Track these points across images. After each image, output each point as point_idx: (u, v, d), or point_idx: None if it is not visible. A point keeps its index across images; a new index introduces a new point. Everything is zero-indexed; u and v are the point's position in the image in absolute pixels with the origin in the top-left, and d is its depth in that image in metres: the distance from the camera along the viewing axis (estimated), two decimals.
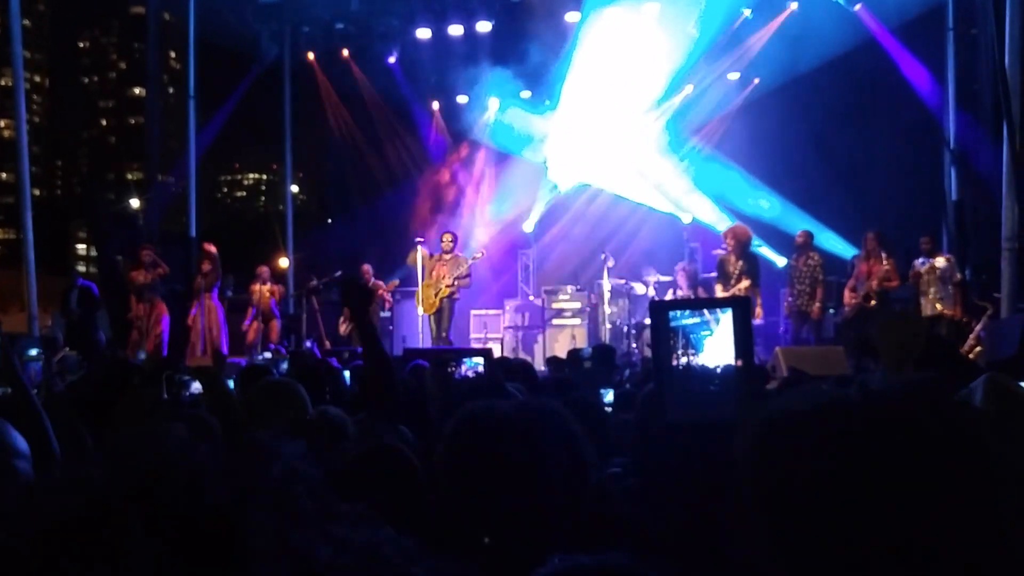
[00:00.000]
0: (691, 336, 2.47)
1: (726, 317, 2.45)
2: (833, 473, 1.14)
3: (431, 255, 14.86)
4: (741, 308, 2.48)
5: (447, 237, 14.82)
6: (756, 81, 17.33)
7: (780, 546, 1.18)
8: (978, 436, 1.16)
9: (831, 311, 13.68)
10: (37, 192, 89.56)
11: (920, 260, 12.77)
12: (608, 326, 15.16)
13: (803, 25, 15.84)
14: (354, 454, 2.86)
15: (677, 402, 2.44)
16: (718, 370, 2.44)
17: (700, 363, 2.46)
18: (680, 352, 2.47)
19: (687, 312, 2.52)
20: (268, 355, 13.19)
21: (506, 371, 6.47)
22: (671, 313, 2.53)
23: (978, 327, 11.40)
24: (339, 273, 16.78)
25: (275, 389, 3.98)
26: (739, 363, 2.43)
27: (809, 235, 13.31)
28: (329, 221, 23.15)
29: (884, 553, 1.11)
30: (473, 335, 16.02)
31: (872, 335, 4.73)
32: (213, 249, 14.77)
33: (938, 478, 1.12)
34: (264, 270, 16.00)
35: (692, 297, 13.21)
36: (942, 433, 1.15)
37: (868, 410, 1.19)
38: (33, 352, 8.53)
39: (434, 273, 14.48)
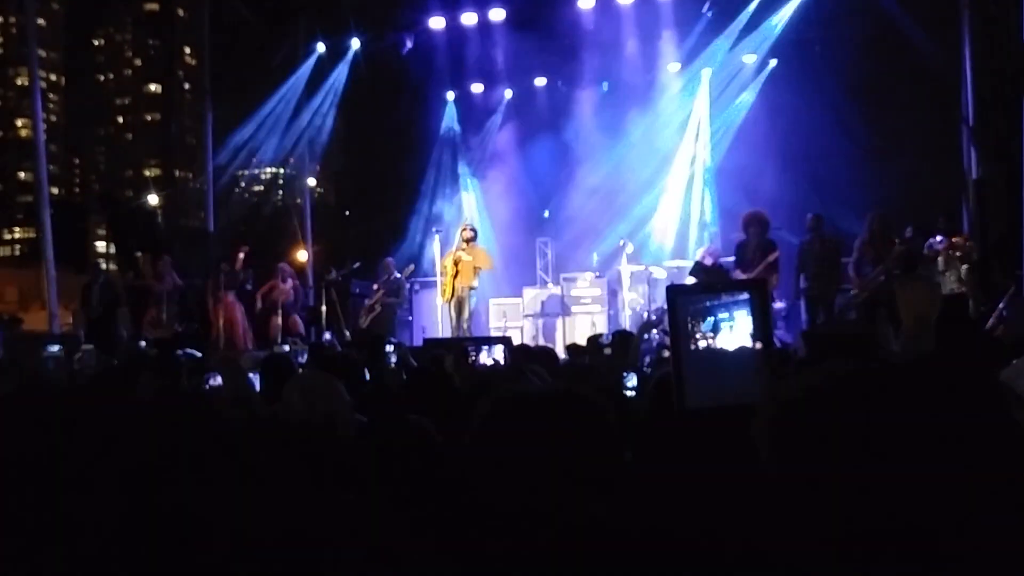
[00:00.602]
0: (709, 320, 2.45)
1: (744, 300, 2.43)
2: (855, 445, 1.14)
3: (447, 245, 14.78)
4: (758, 291, 2.46)
5: (467, 230, 14.58)
6: (773, 63, 17.23)
7: (802, 519, 1.17)
8: (1003, 408, 1.15)
9: (852, 293, 13.60)
10: (55, 191, 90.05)
11: (938, 239, 12.68)
12: (628, 312, 15.13)
13: (819, 5, 15.73)
14: (379, 430, 2.87)
15: (695, 387, 2.42)
16: (737, 353, 2.42)
17: (719, 347, 2.44)
18: (699, 337, 2.45)
19: (704, 296, 2.50)
20: (286, 348, 13.24)
21: (528, 358, 6.48)
22: (688, 297, 2.51)
23: (1001, 305, 11.31)
24: (357, 264, 16.82)
25: (312, 382, 3.94)
26: (758, 346, 2.41)
27: (820, 218, 13.26)
28: (347, 213, 23.19)
29: (907, 525, 1.10)
30: (493, 324, 16.01)
31: (893, 307, 4.71)
32: (241, 255, 14.93)
33: (962, 451, 1.11)
34: (285, 267, 16.10)
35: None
36: (965, 405, 1.14)
37: (890, 382, 1.18)
38: (53, 349, 8.56)
39: (450, 263, 14.37)
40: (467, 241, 14.31)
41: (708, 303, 2.45)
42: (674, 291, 2.54)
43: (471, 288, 14.18)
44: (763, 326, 2.41)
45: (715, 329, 2.43)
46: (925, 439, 1.12)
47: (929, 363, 1.21)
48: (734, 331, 2.42)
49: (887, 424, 1.14)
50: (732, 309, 2.43)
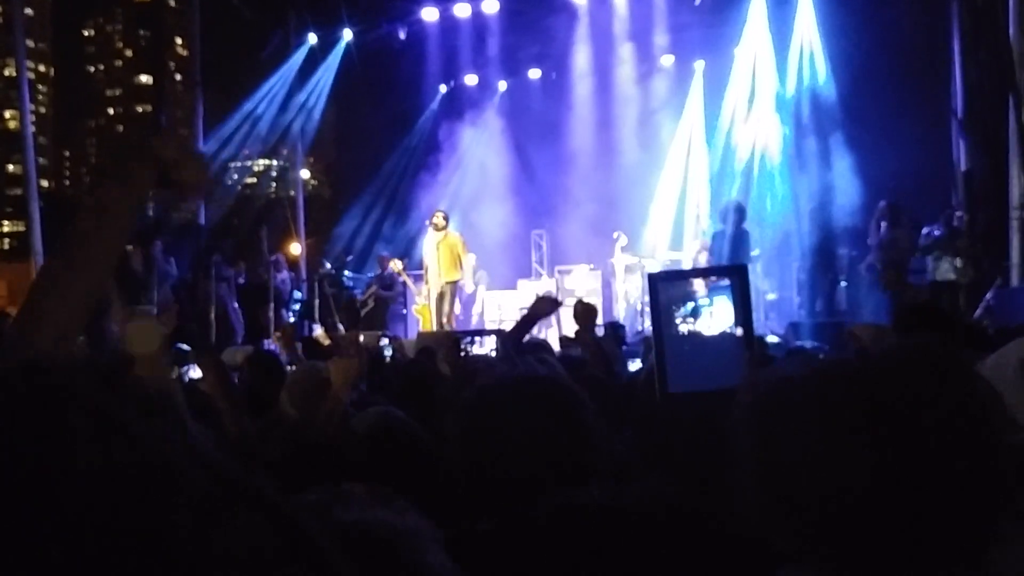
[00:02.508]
0: (689, 305, 2.47)
1: (724, 286, 2.46)
2: (830, 437, 1.16)
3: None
4: (739, 276, 2.49)
5: (438, 215, 14.16)
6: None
7: (778, 509, 1.20)
8: (975, 397, 1.17)
9: (842, 283, 13.70)
10: (45, 183, 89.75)
11: (936, 227, 12.77)
12: (623, 304, 15.18)
13: None
14: (365, 426, 2.90)
15: (677, 372, 2.44)
16: (717, 338, 2.45)
17: (700, 331, 2.47)
18: (680, 321, 2.48)
19: (686, 282, 2.53)
20: (271, 344, 13.07)
21: (521, 352, 6.51)
22: (671, 283, 2.53)
23: (988, 296, 11.39)
24: (350, 258, 16.81)
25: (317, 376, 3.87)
26: (739, 331, 2.44)
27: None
28: (340, 206, 23.14)
29: (881, 514, 1.13)
30: (488, 317, 16.01)
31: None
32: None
33: (933, 440, 1.13)
34: (280, 257, 16.10)
35: None
36: (937, 395, 1.16)
37: (865, 373, 1.20)
38: None
39: (430, 254, 14.19)
40: (438, 229, 13.94)
41: (688, 288, 2.49)
42: (655, 277, 2.57)
43: (452, 281, 14.00)
44: (744, 311, 2.44)
45: (695, 314, 2.46)
46: (899, 429, 1.15)
47: (904, 355, 1.23)
48: (714, 316, 2.45)
49: (861, 414, 1.16)
50: (712, 295, 2.46)
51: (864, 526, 1.14)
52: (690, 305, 2.46)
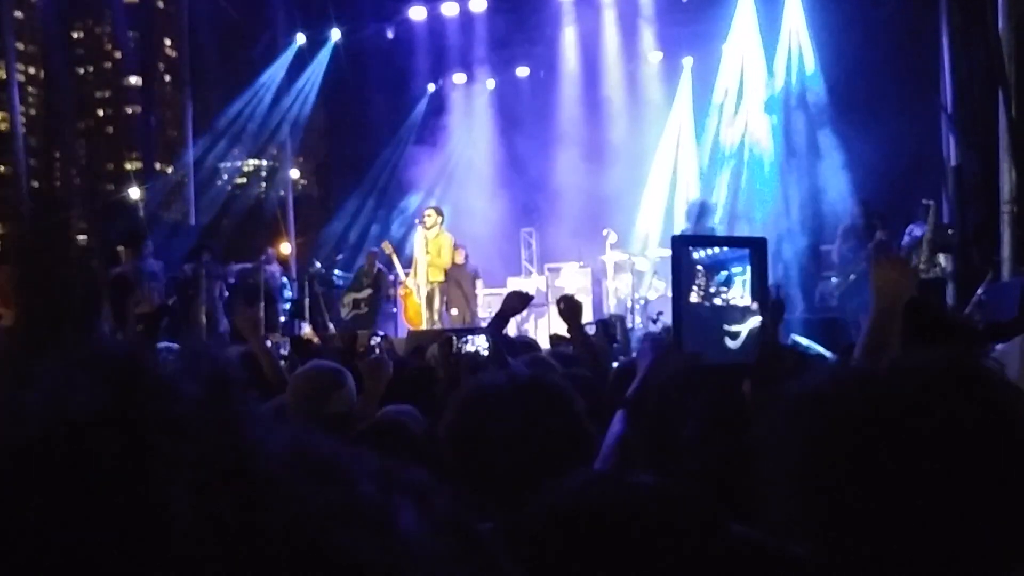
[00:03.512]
0: (722, 274, 2.38)
1: (744, 256, 2.38)
2: (863, 449, 1.14)
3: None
4: (757, 248, 2.42)
5: (429, 212, 14.29)
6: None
7: (810, 519, 1.18)
8: (1008, 408, 1.15)
9: (833, 280, 13.68)
10: (36, 184, 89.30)
11: (919, 224, 12.76)
12: (613, 301, 15.15)
13: None
14: (359, 428, 2.88)
15: (693, 341, 2.35)
16: (737, 310, 2.38)
17: (731, 300, 2.39)
18: (713, 291, 2.38)
19: (711, 249, 2.44)
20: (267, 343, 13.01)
21: (511, 350, 6.49)
22: (694, 249, 2.43)
23: (980, 291, 11.38)
24: (340, 257, 16.75)
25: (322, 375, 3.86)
26: (755, 305, 2.38)
27: None
28: (330, 205, 23.13)
29: (914, 527, 1.11)
30: (479, 315, 15.95)
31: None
32: None
33: (966, 451, 1.11)
34: (271, 251, 16.08)
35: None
36: (971, 408, 1.14)
37: (895, 385, 1.18)
38: None
39: (419, 252, 14.16)
40: (428, 227, 14.03)
41: (723, 257, 2.40)
42: (679, 241, 2.47)
43: (440, 282, 14.05)
44: (760, 285, 2.37)
45: (728, 283, 2.37)
46: (931, 440, 1.12)
47: (933, 365, 1.20)
48: (746, 286, 2.36)
49: (893, 427, 1.13)
50: (744, 263, 2.36)
51: (896, 541, 1.12)
52: (723, 274, 2.40)
